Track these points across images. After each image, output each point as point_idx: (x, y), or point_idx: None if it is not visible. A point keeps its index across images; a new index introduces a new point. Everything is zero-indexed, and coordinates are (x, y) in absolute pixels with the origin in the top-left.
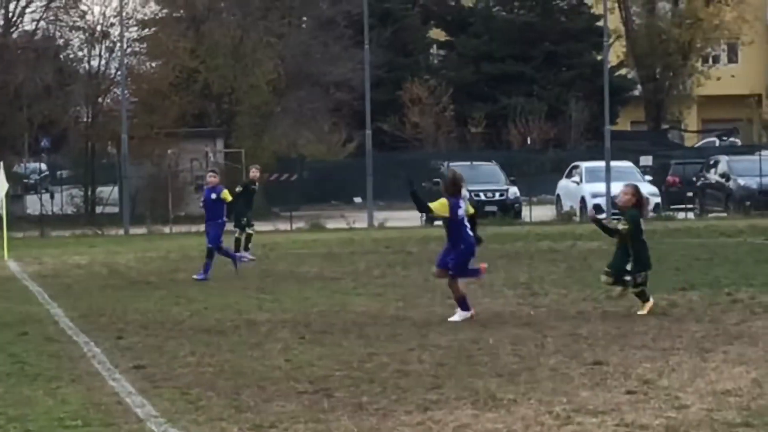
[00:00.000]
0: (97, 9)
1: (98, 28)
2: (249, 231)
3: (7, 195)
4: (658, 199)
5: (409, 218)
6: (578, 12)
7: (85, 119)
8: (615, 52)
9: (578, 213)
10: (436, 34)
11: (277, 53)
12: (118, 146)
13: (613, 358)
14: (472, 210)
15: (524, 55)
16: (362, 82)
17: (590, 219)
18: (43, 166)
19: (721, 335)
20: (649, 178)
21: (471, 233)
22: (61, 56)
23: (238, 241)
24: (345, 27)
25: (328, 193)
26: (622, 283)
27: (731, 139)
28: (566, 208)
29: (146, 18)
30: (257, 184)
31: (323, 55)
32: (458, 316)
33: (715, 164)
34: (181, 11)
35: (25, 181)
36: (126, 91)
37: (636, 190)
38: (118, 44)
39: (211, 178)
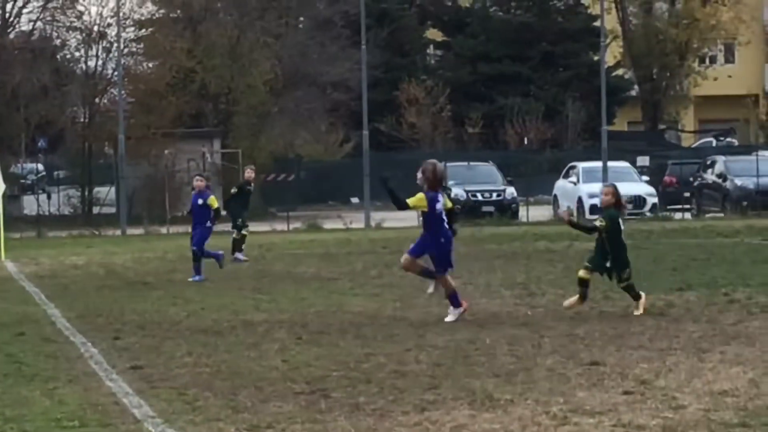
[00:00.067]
0: (94, 9)
1: (95, 28)
2: (243, 232)
3: (4, 195)
4: (655, 200)
5: (406, 219)
6: (575, 12)
7: (82, 119)
8: (612, 53)
9: (576, 213)
10: (433, 34)
11: (274, 53)
12: (115, 146)
13: (610, 358)
14: (450, 204)
15: (521, 56)
16: (359, 82)
17: (565, 221)
18: (40, 167)
19: (718, 335)
20: (646, 178)
21: (448, 226)
22: (58, 56)
23: (235, 241)
24: (342, 27)
25: (325, 193)
26: (601, 270)
27: (728, 139)
28: (563, 208)
29: (143, 18)
30: (252, 184)
31: (320, 55)
32: (452, 315)
33: (712, 164)
34: (178, 11)
35: (22, 181)
36: (123, 92)
37: (615, 190)
38: (115, 44)
39: (198, 183)
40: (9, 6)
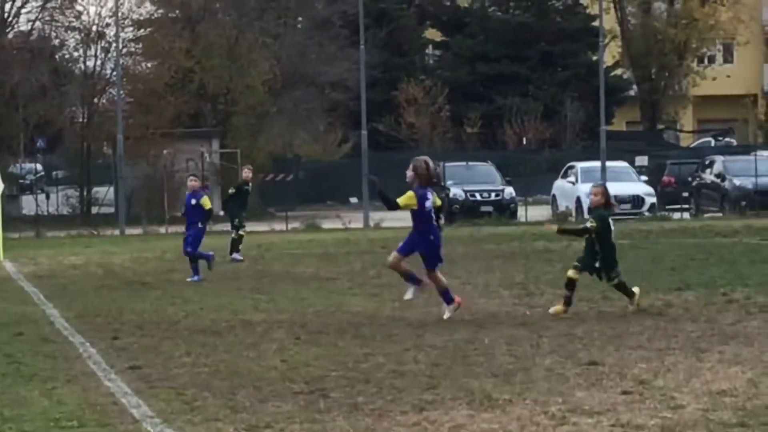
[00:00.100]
0: (92, 9)
1: (94, 28)
2: (240, 233)
3: (2, 195)
4: (654, 200)
5: (404, 218)
6: (574, 12)
7: (80, 119)
8: (610, 53)
9: (574, 213)
10: (432, 34)
11: (273, 53)
12: (113, 146)
13: (608, 358)
14: (438, 202)
15: (520, 56)
16: (358, 82)
17: (554, 232)
18: (39, 167)
19: (716, 335)
20: (644, 178)
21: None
22: (57, 56)
23: (233, 241)
24: (340, 27)
25: (324, 193)
26: (591, 270)
27: (727, 139)
28: (562, 208)
29: (142, 18)
30: (250, 184)
31: (319, 55)
32: (448, 311)
33: (711, 164)
34: (177, 11)
35: (21, 181)
36: (121, 92)
37: (605, 190)
38: (114, 44)
39: (192, 183)
40: (8, 6)
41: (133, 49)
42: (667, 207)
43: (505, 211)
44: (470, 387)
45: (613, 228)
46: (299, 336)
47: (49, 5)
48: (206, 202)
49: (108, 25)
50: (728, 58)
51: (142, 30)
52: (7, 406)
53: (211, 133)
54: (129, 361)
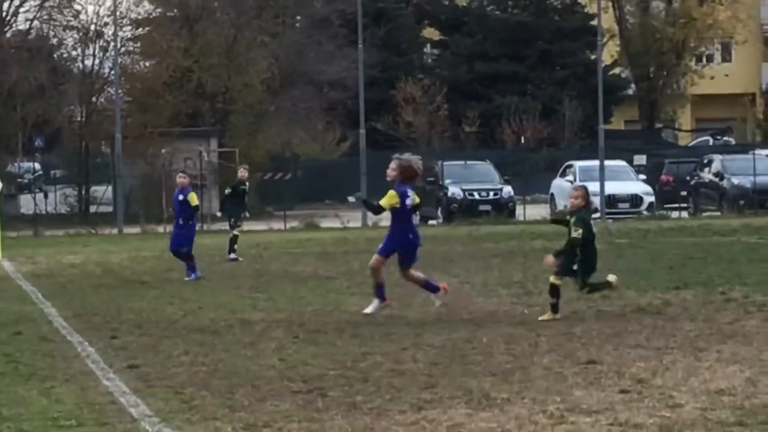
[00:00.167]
0: (90, 8)
1: (92, 27)
2: (235, 232)
3: (0, 195)
4: (652, 198)
5: None
6: (572, 11)
7: (78, 118)
8: (609, 51)
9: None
10: (430, 33)
11: (271, 52)
12: (111, 145)
13: (606, 357)
14: (417, 200)
15: (518, 55)
16: (356, 81)
17: (554, 263)
18: (37, 166)
19: (714, 334)
20: (642, 177)
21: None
22: (55, 55)
23: (233, 239)
24: (339, 26)
25: (322, 192)
26: (570, 274)
27: (725, 138)
28: (560, 207)
29: (140, 17)
30: (247, 183)
31: (317, 54)
32: (438, 300)
33: (709, 163)
34: (175, 10)
35: (19, 180)
36: (120, 91)
37: (585, 193)
38: (112, 43)
39: (181, 180)
40: (6, 5)
41: (131, 48)
42: (665, 206)
43: (503, 210)
44: (468, 386)
45: (595, 230)
46: (297, 335)
47: (47, 4)
48: (193, 198)
49: (106, 24)
50: (726, 57)
51: (140, 29)
52: (6, 405)
53: (209, 132)
54: (127, 360)
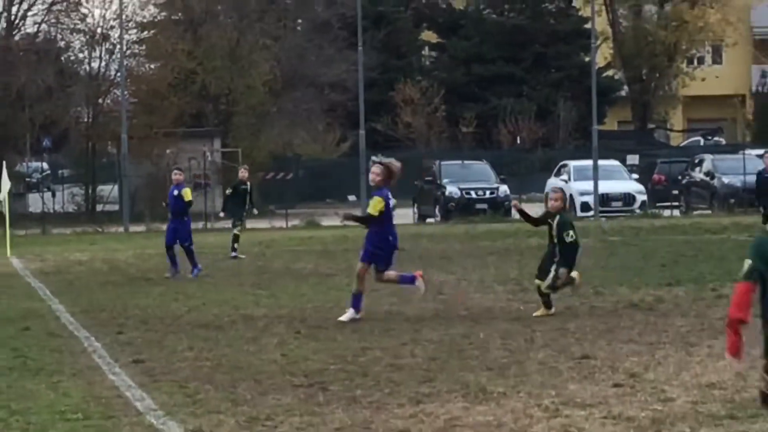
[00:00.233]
0: (97, 12)
1: (98, 30)
2: (235, 231)
3: (9, 193)
4: (645, 197)
5: (401, 216)
6: (566, 15)
7: (85, 119)
8: (602, 54)
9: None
10: (428, 36)
11: (273, 55)
12: (118, 146)
13: (600, 352)
14: (394, 201)
15: (514, 57)
16: (356, 83)
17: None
18: (45, 165)
19: (706, 330)
20: (635, 176)
21: None
22: (63, 58)
23: (235, 238)
24: (339, 29)
25: (323, 191)
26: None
27: (716, 138)
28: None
29: (145, 21)
30: (248, 183)
31: (318, 56)
32: (419, 286)
33: (700, 163)
34: (179, 14)
35: (28, 179)
36: (125, 92)
37: (564, 195)
38: (118, 46)
39: (176, 176)
40: (14, 9)
41: (136, 51)
42: (657, 204)
43: (499, 208)
44: (466, 380)
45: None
46: (299, 330)
47: (55, 8)
48: (187, 193)
49: (112, 27)
50: (717, 59)
51: (145, 32)
52: (14, 399)
53: (212, 133)
54: (133, 355)
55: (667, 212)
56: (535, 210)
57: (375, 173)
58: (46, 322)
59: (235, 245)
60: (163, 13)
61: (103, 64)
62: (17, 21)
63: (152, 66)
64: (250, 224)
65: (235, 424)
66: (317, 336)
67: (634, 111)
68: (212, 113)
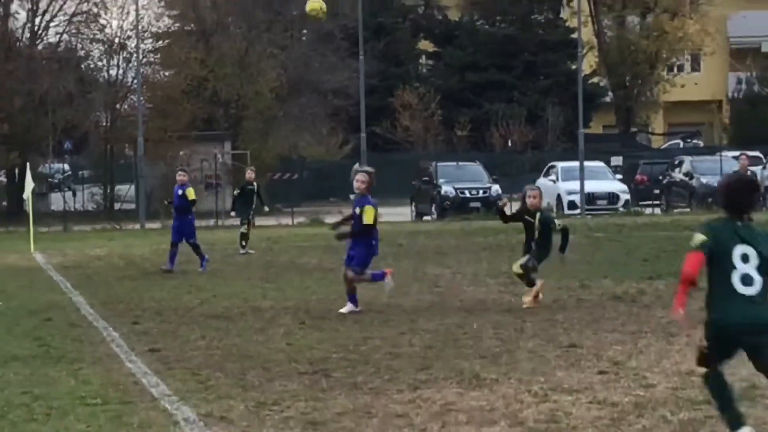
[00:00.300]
0: (115, 23)
1: (116, 40)
2: (242, 230)
3: (33, 193)
4: (628, 196)
5: (400, 214)
6: (554, 25)
7: (104, 124)
8: (588, 62)
9: (555, 208)
10: (425, 45)
11: (280, 63)
12: (134, 148)
13: (586, 341)
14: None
15: (505, 65)
16: (357, 89)
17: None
18: (66, 167)
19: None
20: (619, 176)
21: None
22: (83, 66)
23: (243, 235)
24: (342, 39)
25: (327, 190)
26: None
27: (694, 141)
28: (544, 204)
29: (160, 31)
30: (254, 183)
31: (322, 64)
32: (389, 282)
33: (680, 164)
34: (192, 25)
35: (50, 180)
36: (141, 98)
37: (540, 192)
38: (135, 55)
39: (180, 177)
40: (38, 20)
41: (152, 60)
42: (639, 203)
43: (492, 206)
44: (460, 367)
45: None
46: (304, 321)
47: (75, 19)
48: (191, 193)
49: (129, 37)
50: (696, 67)
51: (160, 42)
52: (37, 385)
53: (223, 136)
54: (148, 344)
55: (648, 210)
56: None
57: (360, 181)
58: (67, 313)
59: (243, 242)
60: (177, 24)
61: (121, 71)
62: (40, 31)
63: (167, 73)
64: (258, 221)
65: (245, 409)
66: (321, 326)
67: (618, 115)
68: (223, 118)
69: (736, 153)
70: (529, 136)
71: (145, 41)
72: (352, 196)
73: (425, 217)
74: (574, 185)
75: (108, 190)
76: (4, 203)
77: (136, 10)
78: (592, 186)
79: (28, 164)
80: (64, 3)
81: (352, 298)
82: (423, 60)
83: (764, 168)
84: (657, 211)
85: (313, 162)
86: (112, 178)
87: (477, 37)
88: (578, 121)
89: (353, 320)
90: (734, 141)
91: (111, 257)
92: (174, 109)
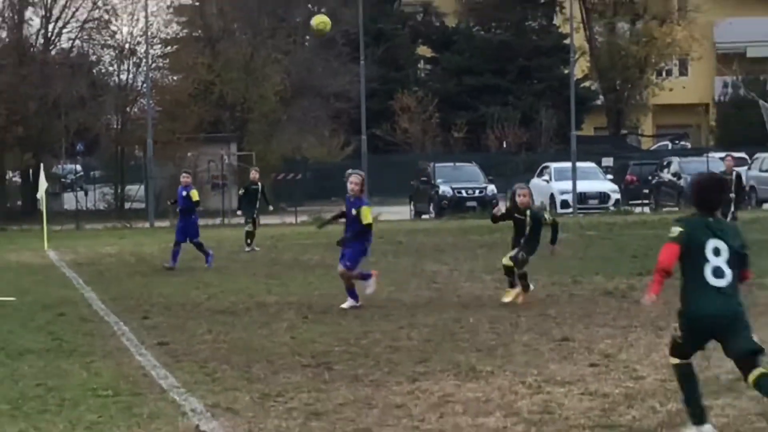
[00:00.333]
0: (125, 29)
1: (126, 46)
2: (246, 228)
3: (46, 192)
4: (618, 196)
5: (399, 213)
6: (548, 31)
7: (115, 126)
8: (580, 67)
9: (548, 207)
10: (423, 51)
11: (284, 68)
12: (144, 150)
13: (578, 335)
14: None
15: (500, 70)
16: (358, 93)
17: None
18: (78, 167)
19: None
20: (610, 177)
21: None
22: (94, 71)
23: (247, 233)
24: (343, 45)
25: (329, 190)
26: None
27: (682, 142)
28: (537, 203)
29: (169, 37)
30: (259, 183)
31: (324, 69)
32: (370, 287)
33: (668, 165)
34: (199, 31)
35: (63, 180)
36: (151, 102)
37: (530, 191)
38: (144, 60)
39: (184, 179)
40: (51, 26)
41: (161, 64)
42: (629, 202)
43: (487, 205)
44: (457, 360)
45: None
46: (307, 316)
47: (87, 25)
48: (194, 194)
49: (139, 43)
50: (683, 71)
51: (169, 47)
52: (51, 377)
53: (229, 138)
54: (157, 338)
55: (638, 209)
56: None
57: (355, 183)
58: (80, 308)
59: (248, 240)
60: (185, 31)
61: (131, 76)
62: (53, 37)
63: (175, 78)
64: (263, 220)
65: (250, 400)
66: (323, 321)
67: (608, 118)
68: (229, 120)
69: (722, 154)
70: (523, 137)
71: (154, 47)
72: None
73: (423, 216)
74: (567, 185)
75: (119, 190)
76: (19, 203)
77: (146, 17)
78: (583, 186)
79: (41, 165)
80: (77, 10)
81: (352, 294)
82: (421, 65)
83: (749, 168)
84: (646, 210)
85: (316, 163)
86: (122, 178)
87: (473, 42)
88: (570, 124)
89: (354, 315)
90: (720, 143)
91: (121, 254)
92: (182, 112)
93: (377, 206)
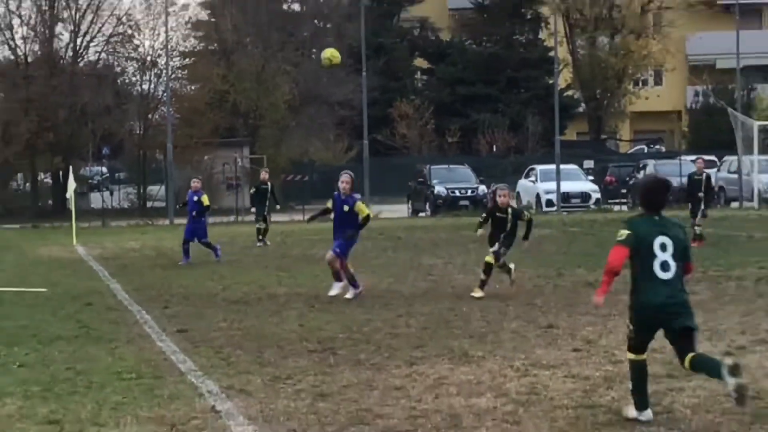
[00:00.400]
0: (147, 43)
1: (148, 58)
2: (257, 225)
3: (75, 192)
4: (598, 195)
5: (398, 211)
6: (534, 45)
7: (137, 132)
8: (564, 77)
9: (534, 206)
10: (420, 62)
11: (292, 78)
12: (164, 153)
13: (562, 322)
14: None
15: (491, 80)
16: (361, 101)
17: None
18: (104, 170)
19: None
20: (591, 178)
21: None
22: (119, 81)
23: (258, 230)
24: (347, 57)
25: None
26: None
27: (657, 146)
28: (524, 202)
29: (187, 50)
30: (268, 183)
31: (329, 80)
32: (352, 293)
33: (644, 167)
34: (215, 45)
35: (90, 181)
36: (170, 109)
37: (509, 191)
38: (164, 71)
39: (194, 184)
40: (79, 40)
41: (179, 75)
42: (609, 201)
43: (479, 204)
44: (451, 346)
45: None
46: (314, 305)
47: (112, 39)
48: (205, 199)
49: (160, 55)
50: (658, 81)
51: (187, 59)
52: (79, 362)
53: (242, 143)
54: (177, 325)
55: (617, 207)
56: None
57: (345, 182)
58: (105, 298)
59: (260, 236)
60: (202, 44)
61: (152, 86)
62: (81, 51)
63: (192, 87)
64: (274, 218)
65: (261, 383)
66: (329, 310)
67: (589, 124)
68: (242, 126)
69: (693, 157)
70: (511, 142)
71: (174, 59)
72: (355, 195)
73: (420, 214)
74: (551, 185)
75: (141, 190)
76: (50, 202)
77: (166, 32)
78: (567, 186)
79: (70, 168)
80: (103, 25)
81: (354, 284)
82: (418, 75)
83: (718, 170)
84: (624, 208)
85: (322, 165)
86: (144, 179)
87: (466, 55)
88: (555, 129)
89: (357, 304)
90: (692, 147)
91: (144, 249)
92: (199, 119)
93: (378, 205)
